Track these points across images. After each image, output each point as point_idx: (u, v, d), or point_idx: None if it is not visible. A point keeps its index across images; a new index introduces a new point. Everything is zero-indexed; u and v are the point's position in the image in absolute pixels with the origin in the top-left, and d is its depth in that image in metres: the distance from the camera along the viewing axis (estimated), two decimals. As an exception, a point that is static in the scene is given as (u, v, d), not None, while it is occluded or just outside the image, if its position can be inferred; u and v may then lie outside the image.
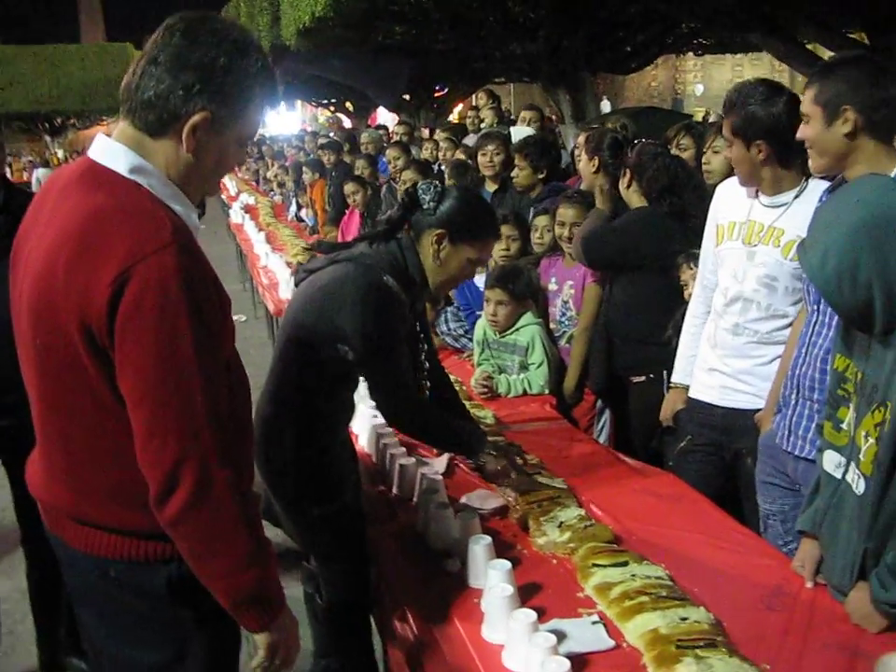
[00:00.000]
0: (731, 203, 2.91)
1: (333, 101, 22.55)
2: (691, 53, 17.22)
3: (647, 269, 3.61)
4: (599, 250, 3.71)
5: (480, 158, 5.31)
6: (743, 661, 1.78)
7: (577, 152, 5.19)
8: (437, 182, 2.52)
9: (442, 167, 6.81)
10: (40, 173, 19.94)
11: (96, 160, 1.63)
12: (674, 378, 3.25)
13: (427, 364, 2.68)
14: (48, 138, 38.45)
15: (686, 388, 3.15)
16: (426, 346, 2.68)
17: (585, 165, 3.99)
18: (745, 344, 2.87)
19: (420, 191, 2.45)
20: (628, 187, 3.71)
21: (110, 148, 1.62)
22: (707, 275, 3.07)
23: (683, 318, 3.24)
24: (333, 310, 2.31)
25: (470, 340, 4.22)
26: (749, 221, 2.81)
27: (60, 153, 35.39)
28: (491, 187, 5.27)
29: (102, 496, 1.65)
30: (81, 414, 1.61)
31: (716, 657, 1.77)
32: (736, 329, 2.88)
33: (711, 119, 11.14)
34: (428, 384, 2.69)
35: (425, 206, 2.43)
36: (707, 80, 29.58)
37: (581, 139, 4.60)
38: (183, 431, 1.52)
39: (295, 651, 1.78)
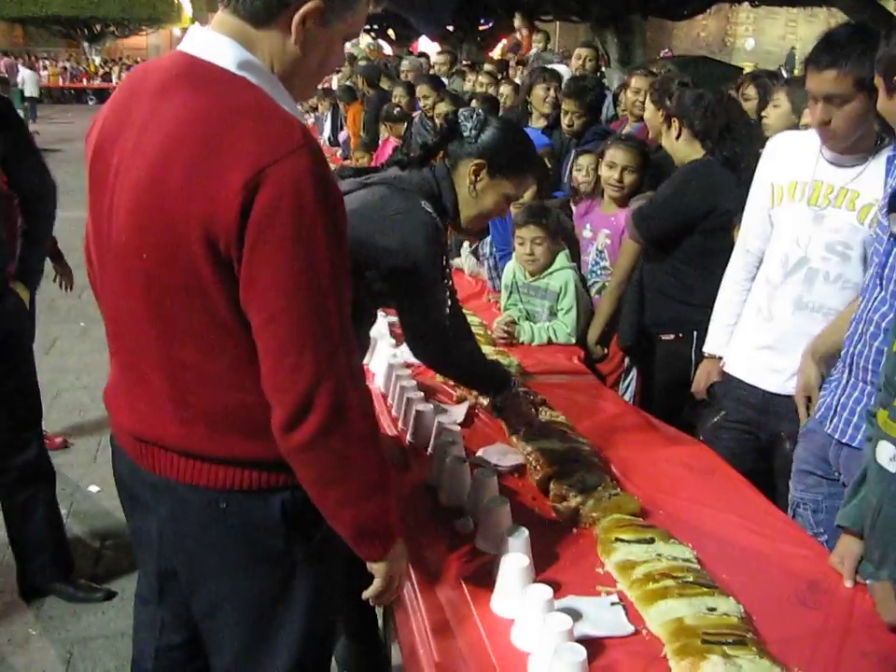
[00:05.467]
0: (789, 161, 2.63)
1: (375, 27, 22.10)
2: (746, 4, 16.62)
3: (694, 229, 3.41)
4: (652, 228, 3.50)
5: (538, 91, 5.09)
6: (774, 664, 1.61)
7: (628, 97, 4.98)
8: (479, 111, 2.35)
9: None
10: (27, 74, 19.89)
11: (196, 55, 1.45)
12: (709, 348, 3.00)
13: (451, 302, 2.50)
14: (86, 44, 38.19)
15: (720, 359, 2.94)
16: (449, 282, 2.50)
17: (653, 116, 3.72)
18: (808, 321, 2.58)
19: (461, 118, 2.29)
20: (678, 137, 3.49)
21: (214, 41, 1.45)
22: (751, 239, 2.80)
23: None
24: (366, 234, 2.12)
25: (499, 277, 4.07)
26: (815, 181, 2.53)
27: (97, 60, 35.17)
28: (538, 123, 5.05)
29: (213, 424, 1.52)
30: (195, 336, 1.46)
31: (745, 657, 1.61)
32: (799, 302, 2.59)
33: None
34: (448, 323, 2.52)
35: (465, 134, 2.25)
36: (757, 34, 28.81)
37: (639, 82, 4.37)
38: (320, 352, 1.40)
39: (405, 579, 1.76)
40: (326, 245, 1.38)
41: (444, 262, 2.36)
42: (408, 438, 2.59)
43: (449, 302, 2.49)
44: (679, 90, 3.54)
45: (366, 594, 1.68)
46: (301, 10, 1.43)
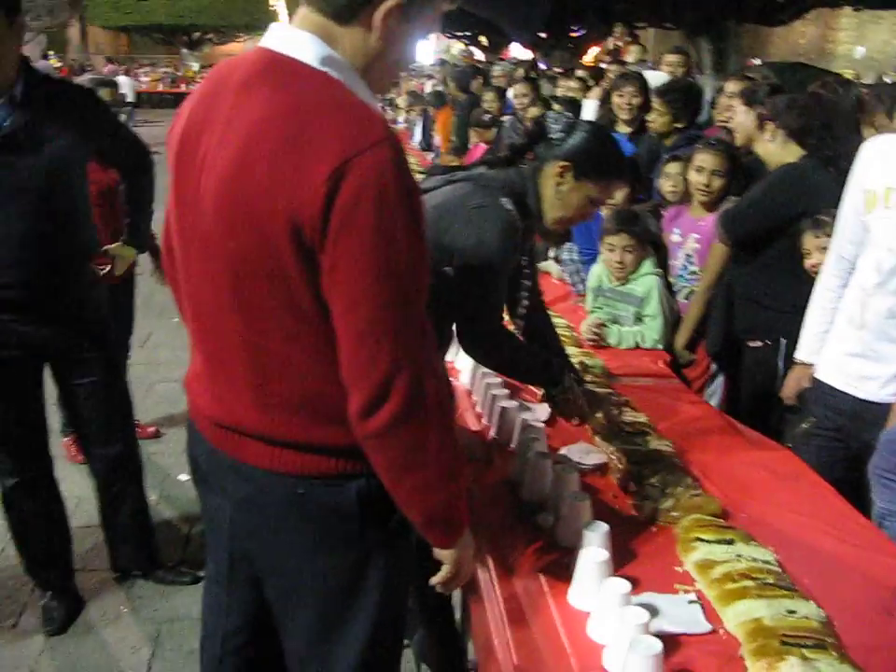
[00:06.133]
0: (884, 166, 2.57)
1: (468, 34, 22.20)
2: (847, 9, 16.14)
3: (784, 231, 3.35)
4: (740, 229, 3.46)
5: (616, 99, 5.07)
6: (855, 669, 1.60)
7: (723, 102, 4.92)
8: (568, 114, 2.38)
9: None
10: (123, 80, 20.91)
11: (279, 51, 1.49)
12: (801, 355, 2.95)
13: (527, 302, 2.52)
14: (184, 51, 39.25)
15: (811, 366, 2.90)
16: (528, 283, 2.52)
17: (744, 120, 3.66)
18: None
19: (550, 120, 2.32)
20: (771, 140, 3.43)
21: (296, 38, 1.49)
22: (845, 245, 2.74)
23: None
24: (444, 229, 2.18)
25: (583, 281, 4.08)
26: None
27: (195, 66, 36.10)
28: (623, 129, 5.03)
29: (292, 411, 1.56)
30: (277, 323, 1.50)
31: (824, 661, 1.60)
32: (893, 311, 2.53)
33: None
34: (523, 322, 2.54)
35: (552, 136, 2.28)
36: (860, 40, 27.94)
37: (735, 87, 4.32)
38: (399, 340, 1.43)
39: (472, 567, 1.77)
40: (406, 236, 1.41)
41: (521, 260, 2.39)
42: (492, 433, 2.62)
43: (526, 302, 2.52)
44: (771, 93, 3.49)
45: (433, 580, 1.70)
46: (384, 7, 1.46)
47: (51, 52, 31.88)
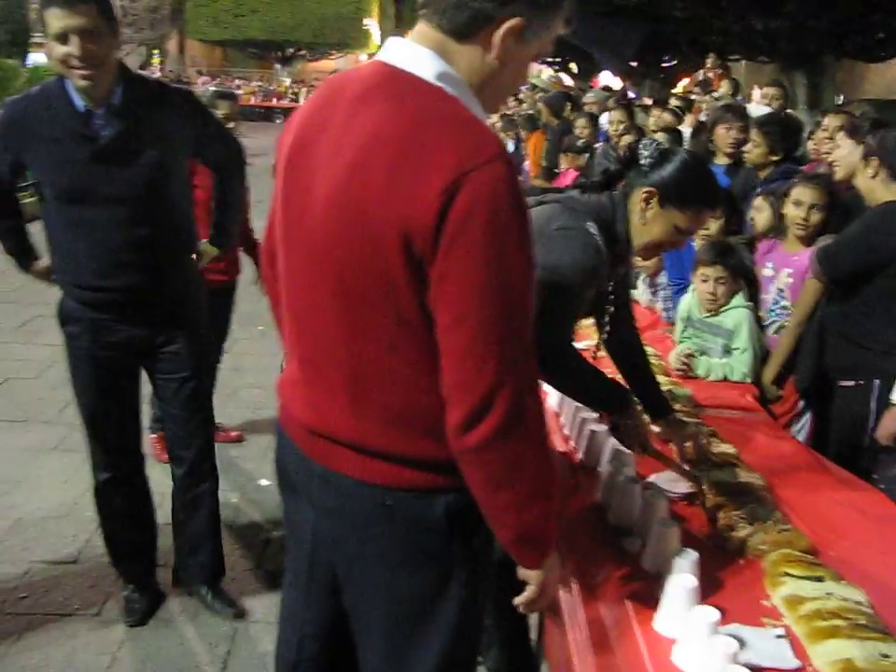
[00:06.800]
0: None
1: (558, 60, 22.27)
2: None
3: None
4: (838, 267, 3.41)
5: (720, 130, 5.05)
6: (950, 718, 1.57)
7: (820, 136, 4.88)
8: (660, 142, 2.39)
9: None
10: (205, 90, 21.66)
11: (396, 65, 1.53)
12: None
13: (609, 328, 2.51)
14: (277, 66, 40.17)
15: None
16: (612, 309, 2.52)
17: (848, 154, 3.61)
18: None
19: (641, 147, 2.33)
20: (874, 176, 3.39)
21: (414, 53, 1.52)
22: None
23: None
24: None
25: (672, 309, 4.06)
26: None
27: (287, 81, 36.89)
28: (722, 161, 5.02)
29: (388, 421, 1.58)
30: (378, 331, 1.51)
31: (919, 706, 1.57)
32: None
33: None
34: (603, 345, 2.55)
35: (642, 162, 2.29)
36: (959, 82, 27.18)
37: (834, 121, 4.27)
38: (504, 355, 1.43)
39: (557, 589, 1.77)
40: (516, 252, 1.42)
41: (607, 286, 2.39)
42: (579, 456, 2.63)
43: (608, 328, 2.51)
44: (874, 128, 3.44)
45: (517, 600, 1.70)
46: (504, 27, 1.48)
47: (157, 55, 32.75)
